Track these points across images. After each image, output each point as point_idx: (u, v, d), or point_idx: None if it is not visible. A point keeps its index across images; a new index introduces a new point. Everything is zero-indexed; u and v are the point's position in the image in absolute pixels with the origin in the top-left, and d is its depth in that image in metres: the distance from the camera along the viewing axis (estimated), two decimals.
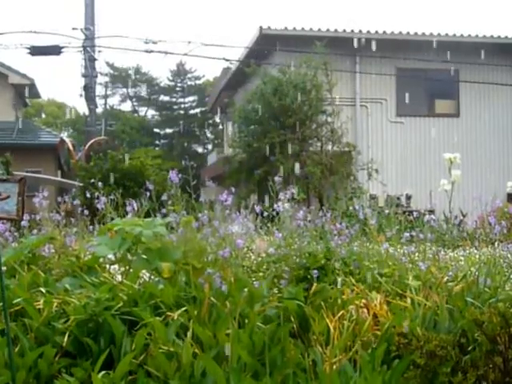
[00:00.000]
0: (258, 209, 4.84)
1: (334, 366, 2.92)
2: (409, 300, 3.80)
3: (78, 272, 4.28)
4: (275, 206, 4.75)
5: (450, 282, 4.35)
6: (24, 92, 21.43)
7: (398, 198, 13.78)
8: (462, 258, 5.23)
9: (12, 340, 3.29)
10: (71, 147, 18.15)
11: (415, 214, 6.75)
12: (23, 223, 5.32)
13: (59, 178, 15.44)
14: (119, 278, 4.11)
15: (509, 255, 5.17)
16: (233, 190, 4.74)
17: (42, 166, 17.51)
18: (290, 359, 2.93)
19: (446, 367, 2.76)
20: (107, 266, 4.44)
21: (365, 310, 3.64)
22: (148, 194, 4.97)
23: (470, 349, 3.17)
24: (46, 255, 4.84)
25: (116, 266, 4.44)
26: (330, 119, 14.90)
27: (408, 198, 15.95)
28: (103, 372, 3.02)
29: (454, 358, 2.85)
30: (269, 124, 14.66)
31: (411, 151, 17.75)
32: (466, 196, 6.18)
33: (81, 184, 11.46)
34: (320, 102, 14.72)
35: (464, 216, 8.53)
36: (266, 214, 5.17)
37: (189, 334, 3.11)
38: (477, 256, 5.34)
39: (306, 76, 14.73)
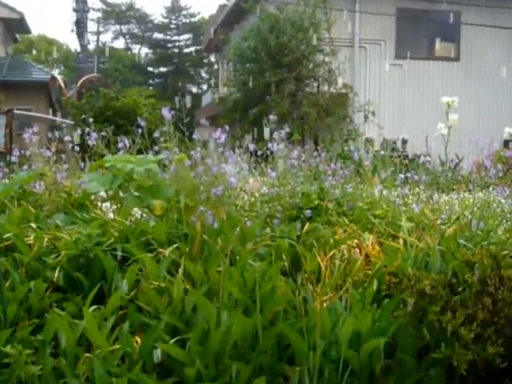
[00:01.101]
0: (251, 147, 4.78)
1: (325, 304, 2.92)
2: (401, 241, 3.80)
3: (69, 208, 4.25)
4: (269, 145, 4.69)
5: (443, 224, 4.36)
6: (13, 27, 20.92)
7: (394, 143, 13.73)
8: (456, 202, 5.22)
9: (2, 274, 3.27)
10: (63, 85, 17.88)
11: (411, 157, 6.70)
12: (13, 159, 5.26)
13: (50, 116, 15.27)
14: (111, 215, 4.09)
15: (502, 200, 5.17)
16: (227, 128, 4.66)
17: (32, 103, 17.27)
18: (280, 296, 2.94)
19: (435, 306, 2.77)
20: (99, 203, 4.40)
21: (357, 250, 3.64)
22: (140, 131, 4.89)
23: (460, 289, 3.18)
24: (37, 191, 4.80)
25: (107, 204, 4.41)
26: (327, 59, 14.66)
27: (404, 142, 15.89)
28: (94, 306, 3.02)
29: (444, 297, 2.86)
30: (265, 62, 14.41)
31: (409, 95, 17.58)
32: (462, 141, 6.12)
33: (72, 122, 11.33)
34: (318, 41, 14.44)
35: (460, 160, 8.51)
36: (260, 153, 5.10)
37: (180, 270, 3.10)
38: (471, 200, 5.34)
39: (303, 13, 14.39)
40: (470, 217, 4.24)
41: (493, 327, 2.80)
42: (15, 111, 11.48)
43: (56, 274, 3.35)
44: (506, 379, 2.96)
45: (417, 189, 4.99)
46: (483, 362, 2.88)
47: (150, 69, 43.90)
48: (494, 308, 2.94)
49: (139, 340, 2.79)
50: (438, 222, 4.29)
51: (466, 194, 5.81)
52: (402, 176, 4.95)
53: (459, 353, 2.66)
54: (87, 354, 2.73)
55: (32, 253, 3.53)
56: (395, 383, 2.72)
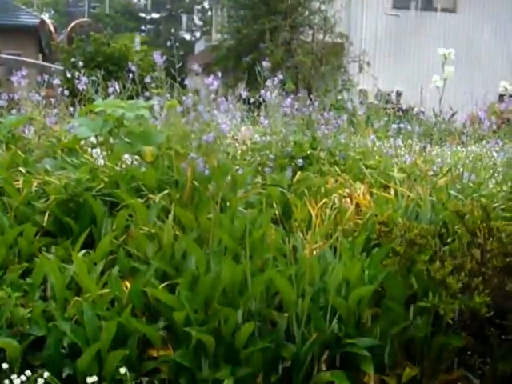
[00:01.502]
0: (244, 94, 4.71)
1: (314, 252, 2.93)
2: (392, 191, 3.80)
3: (58, 153, 4.20)
4: (262, 92, 4.62)
5: (435, 175, 4.36)
6: None
7: (388, 95, 13.60)
8: (449, 153, 5.21)
9: None
10: (52, 29, 17.49)
11: (405, 109, 6.65)
12: (1, 103, 5.17)
13: (40, 62, 14.99)
14: (101, 162, 4.05)
15: (494, 153, 5.16)
16: (219, 74, 4.58)
17: (21, 48, 16.90)
18: (270, 244, 2.94)
19: (424, 255, 2.78)
20: (88, 149, 4.35)
21: (348, 200, 3.63)
22: (131, 75, 4.79)
23: (449, 240, 3.20)
24: (26, 136, 4.74)
25: (97, 150, 4.36)
26: (323, 7, 14.36)
27: (398, 94, 15.75)
28: (83, 251, 3.02)
29: (433, 247, 2.86)
30: (259, 9, 14.11)
31: (405, 46, 17.34)
32: (457, 93, 6.07)
33: (62, 67, 11.14)
34: None
35: (454, 114, 8.45)
36: (252, 100, 5.04)
37: (170, 216, 3.09)
38: (463, 152, 5.33)
39: None
40: (461, 169, 4.24)
41: (480, 277, 2.81)
42: (3, 56, 11.24)
43: (45, 219, 3.33)
44: (491, 328, 3.00)
45: (409, 140, 4.97)
46: (470, 312, 2.91)
47: (143, 15, 42.99)
48: (483, 259, 2.96)
49: (129, 284, 2.80)
50: (430, 173, 4.28)
51: (458, 147, 5.80)
52: (395, 126, 4.92)
53: (446, 302, 2.68)
54: (76, 298, 2.73)
55: (21, 197, 3.50)
56: (382, 331, 2.75)
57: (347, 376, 2.56)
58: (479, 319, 2.94)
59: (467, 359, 2.99)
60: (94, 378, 2.35)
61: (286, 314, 2.65)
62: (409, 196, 3.60)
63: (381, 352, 2.75)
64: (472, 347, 3.01)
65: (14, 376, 2.35)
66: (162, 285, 2.72)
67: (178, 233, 3.02)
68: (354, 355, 2.65)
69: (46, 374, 2.39)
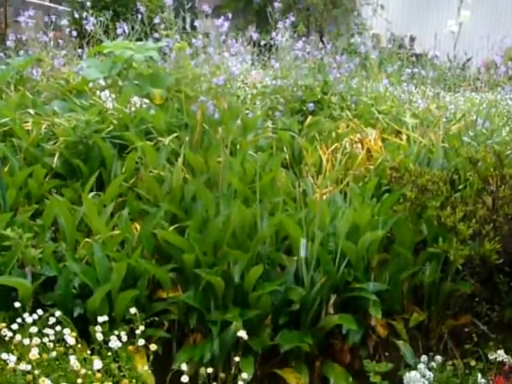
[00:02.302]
0: (255, 36, 4.61)
1: (325, 197, 2.91)
2: (404, 137, 3.75)
3: (67, 95, 4.16)
4: (273, 35, 4.52)
5: (448, 122, 4.29)
6: None
7: (402, 39, 13.30)
8: (462, 99, 5.11)
9: (1, 160, 3.25)
10: None
11: (418, 54, 6.50)
12: (9, 43, 5.09)
13: (47, 2, 14.70)
14: (110, 105, 4.00)
15: (510, 100, 5.06)
16: (229, 16, 4.48)
17: None
18: (280, 188, 2.92)
19: (435, 201, 2.75)
20: (97, 92, 4.30)
21: (359, 145, 3.59)
22: (139, 16, 4.70)
23: (461, 187, 3.17)
24: (34, 78, 4.69)
25: (106, 92, 4.31)
26: None
27: (412, 39, 15.39)
28: (93, 193, 3.02)
29: (445, 193, 2.83)
30: None
31: None
32: (472, 39, 5.90)
33: (69, 9, 10.93)
34: None
35: (469, 59, 8.26)
36: (263, 43, 4.94)
37: (180, 159, 3.07)
38: (477, 99, 5.23)
39: None
40: (475, 115, 4.16)
41: (491, 224, 2.79)
42: None
43: (55, 161, 3.32)
44: (500, 276, 3.00)
45: (423, 86, 4.87)
46: (479, 258, 2.91)
47: None
48: (494, 206, 2.93)
49: (138, 227, 2.81)
50: (443, 119, 4.21)
51: (472, 94, 5.69)
52: (409, 71, 4.81)
53: (456, 248, 2.66)
54: (87, 239, 2.75)
55: (30, 139, 3.48)
56: (391, 276, 2.76)
57: (355, 320, 2.58)
58: (489, 266, 2.94)
59: (474, 306, 3.01)
60: (105, 318, 2.38)
61: (295, 258, 2.65)
62: (421, 142, 3.55)
63: (389, 297, 2.76)
64: (480, 294, 3.01)
65: (26, 315, 2.38)
66: (172, 227, 2.72)
67: (187, 176, 3.00)
68: (362, 299, 2.66)
69: (58, 313, 2.42)
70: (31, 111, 3.82)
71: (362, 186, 3.04)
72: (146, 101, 3.94)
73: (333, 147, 3.35)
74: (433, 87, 4.88)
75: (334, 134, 3.61)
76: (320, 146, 3.34)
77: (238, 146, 3.30)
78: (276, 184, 2.99)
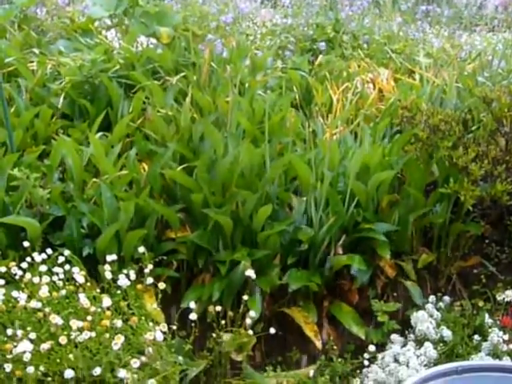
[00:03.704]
0: None
1: (335, 137, 2.87)
2: (417, 77, 3.66)
3: (72, 34, 4.08)
4: None
5: (463, 61, 4.18)
6: None
7: None
8: (478, 39, 4.97)
9: (6, 100, 3.20)
10: None
11: None
12: None
13: None
14: (116, 44, 3.92)
15: None
16: None
17: None
18: (289, 128, 2.87)
19: (447, 141, 2.70)
20: (103, 31, 4.21)
21: (370, 85, 3.52)
22: None
23: (474, 128, 3.10)
24: (39, 17, 4.59)
25: (112, 31, 4.22)
26: None
27: None
28: (100, 133, 2.99)
29: (457, 133, 2.78)
30: None
31: None
32: None
33: None
34: None
35: None
36: None
37: (187, 99, 3.01)
38: (494, 39, 5.08)
39: None
40: (491, 56, 4.05)
41: (504, 165, 2.74)
42: None
43: (61, 101, 3.28)
44: (510, 217, 2.98)
45: (438, 25, 4.74)
46: (490, 200, 2.88)
47: None
48: (507, 147, 2.88)
49: (146, 167, 2.78)
50: (458, 59, 4.10)
51: (489, 33, 5.53)
52: (423, 9, 4.67)
53: (467, 188, 2.63)
54: (94, 180, 2.73)
55: (35, 79, 3.43)
56: (400, 217, 2.73)
57: (363, 260, 2.57)
58: (499, 208, 2.92)
59: (484, 247, 3.00)
60: (113, 257, 2.38)
61: (304, 198, 2.63)
62: (434, 82, 3.47)
63: (398, 238, 2.75)
64: (490, 236, 3.00)
65: (35, 254, 2.39)
66: (180, 167, 2.70)
67: (195, 115, 2.96)
68: (371, 240, 2.65)
69: (67, 253, 2.43)
70: (36, 51, 3.75)
71: (373, 127, 2.99)
72: (153, 40, 3.86)
73: (344, 87, 3.28)
74: (448, 26, 4.73)
75: (345, 74, 3.53)
76: (331, 85, 3.26)
77: (246, 86, 3.23)
78: (285, 124, 2.94)
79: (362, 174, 2.69)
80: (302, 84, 3.39)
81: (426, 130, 2.76)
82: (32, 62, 3.60)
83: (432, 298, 2.65)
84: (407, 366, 2.35)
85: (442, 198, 2.82)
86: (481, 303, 2.69)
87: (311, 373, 2.36)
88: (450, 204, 2.81)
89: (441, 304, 2.63)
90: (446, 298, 2.66)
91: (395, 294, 2.73)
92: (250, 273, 2.38)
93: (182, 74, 3.28)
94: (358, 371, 2.45)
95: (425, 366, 2.32)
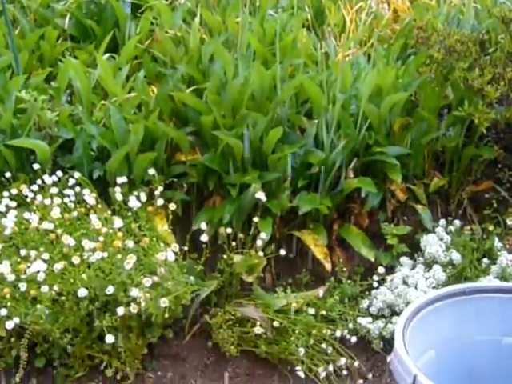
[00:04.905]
0: None
1: (347, 58, 2.80)
2: None
3: None
4: None
5: None
6: None
7: None
8: None
9: (11, 22, 3.12)
10: None
11: None
12: None
13: None
14: None
15: None
16: None
17: None
18: (301, 49, 2.79)
19: (463, 63, 2.63)
20: None
21: (385, 5, 3.40)
22: None
23: (491, 50, 3.01)
24: None
25: None
26: None
27: None
28: (107, 55, 2.93)
29: (474, 54, 2.70)
30: None
31: None
32: None
33: None
34: None
35: None
36: None
37: (196, 19, 2.93)
38: None
39: None
40: None
41: None
42: None
43: (66, 22, 3.19)
44: None
45: None
46: (505, 123, 2.83)
47: None
48: None
49: (155, 89, 2.74)
50: None
51: None
52: None
53: (482, 111, 2.58)
54: (103, 102, 2.70)
55: None
56: (413, 140, 2.70)
57: (374, 184, 2.56)
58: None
59: (496, 172, 2.97)
60: (124, 179, 2.38)
61: (316, 121, 2.59)
62: (451, 2, 3.35)
63: (410, 162, 2.72)
64: (503, 160, 2.97)
65: (45, 176, 2.39)
66: (189, 89, 2.65)
67: (204, 36, 2.88)
68: (383, 164, 2.63)
69: (77, 175, 2.43)
70: None
71: (387, 48, 2.91)
72: None
73: (357, 7, 3.16)
74: None
75: None
76: (344, 5, 3.15)
77: (257, 5, 3.13)
78: (297, 45, 2.86)
79: (375, 97, 2.63)
80: (314, 3, 3.28)
81: (441, 51, 2.68)
82: None
83: (442, 221, 2.65)
84: (416, 287, 2.38)
85: (455, 122, 2.77)
86: (491, 227, 2.69)
87: (320, 294, 2.39)
88: (463, 128, 2.77)
89: (451, 228, 2.63)
90: (457, 222, 2.66)
91: (405, 218, 2.73)
92: (261, 195, 2.38)
93: None
94: (367, 293, 2.48)
95: (433, 288, 2.35)
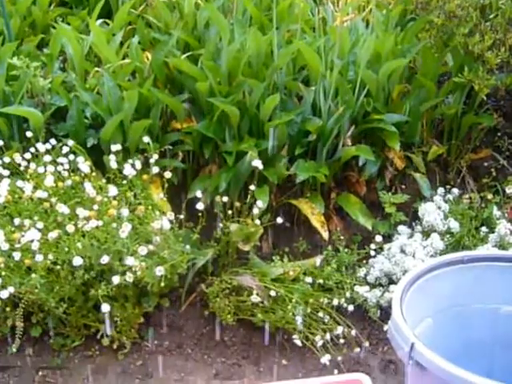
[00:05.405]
0: None
1: (345, 24, 2.75)
2: None
3: None
4: None
5: None
6: None
7: None
8: None
9: None
10: None
11: None
12: None
13: None
14: None
15: None
16: None
17: None
18: (298, 15, 2.73)
19: (464, 28, 2.58)
20: None
21: None
22: None
23: (492, 16, 2.96)
24: None
25: None
26: None
27: None
28: (100, 21, 2.87)
29: (474, 20, 2.65)
30: None
31: None
32: None
33: None
34: None
35: None
36: None
37: None
38: None
39: None
40: None
41: None
42: None
43: None
44: None
45: None
46: (505, 90, 2.79)
47: None
48: None
49: (149, 56, 2.69)
50: None
51: None
52: None
53: (482, 77, 2.54)
54: (97, 69, 2.65)
55: None
56: (411, 107, 2.66)
57: (372, 151, 2.53)
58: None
59: (496, 140, 2.95)
60: (118, 147, 2.35)
61: (313, 88, 2.54)
62: None
63: (408, 129, 2.69)
64: (502, 128, 2.95)
65: (39, 144, 2.36)
66: (184, 55, 2.60)
67: (199, 1, 2.82)
68: (381, 131, 2.59)
69: (71, 143, 2.39)
70: None
71: (386, 14, 2.85)
72: None
73: None
74: None
75: None
76: None
77: None
78: (294, 10, 2.80)
79: (373, 63, 2.59)
80: None
81: (441, 17, 2.63)
82: None
83: (440, 190, 2.62)
84: (413, 256, 2.36)
85: (455, 89, 2.73)
86: (490, 196, 2.67)
87: (318, 262, 2.37)
88: (463, 95, 2.74)
89: (449, 196, 2.61)
90: (455, 191, 2.64)
91: (403, 186, 2.71)
92: (257, 163, 2.35)
93: None
94: (364, 261, 2.47)
95: (431, 256, 2.34)
